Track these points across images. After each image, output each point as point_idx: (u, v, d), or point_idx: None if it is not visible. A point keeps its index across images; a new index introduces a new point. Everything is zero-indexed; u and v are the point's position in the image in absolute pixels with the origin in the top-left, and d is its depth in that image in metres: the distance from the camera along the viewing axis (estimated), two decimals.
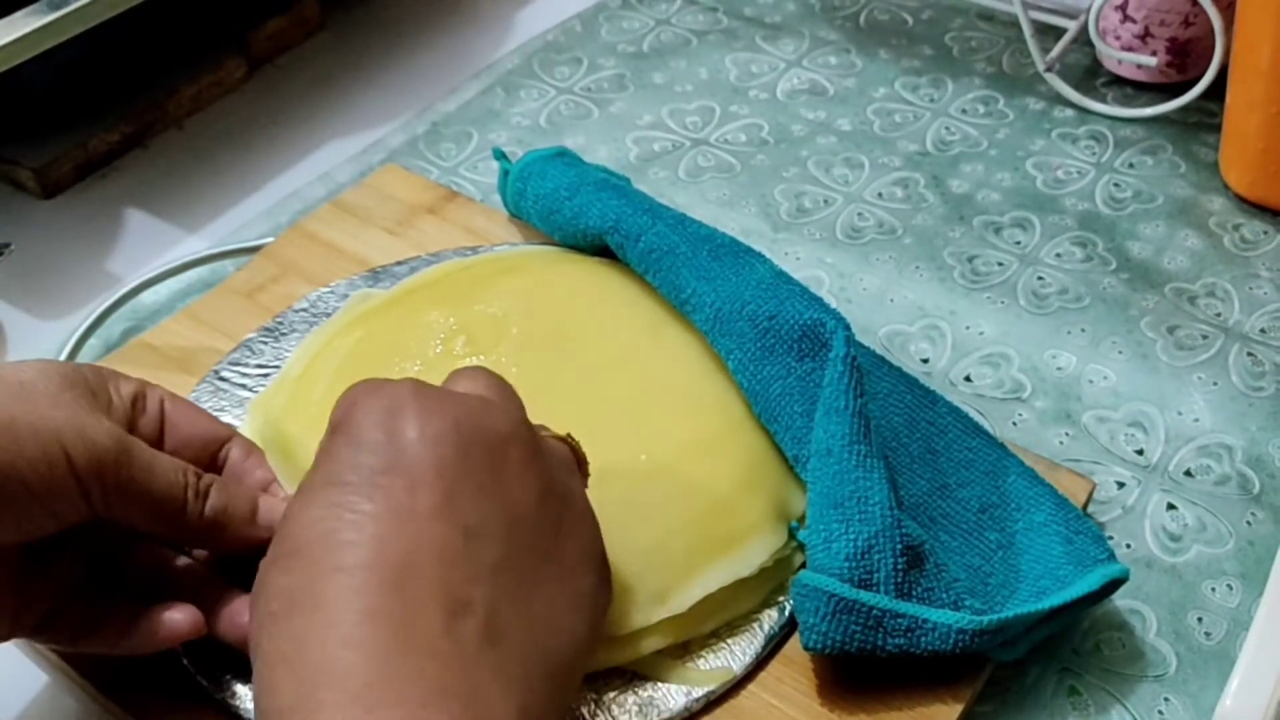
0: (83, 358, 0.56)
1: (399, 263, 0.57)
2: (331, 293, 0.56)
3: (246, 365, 0.52)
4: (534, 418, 0.41)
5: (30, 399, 0.36)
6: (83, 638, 0.40)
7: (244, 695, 0.41)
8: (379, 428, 0.33)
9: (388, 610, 0.30)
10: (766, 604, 0.43)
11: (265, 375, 0.52)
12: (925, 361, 0.55)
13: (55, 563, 0.39)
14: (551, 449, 0.38)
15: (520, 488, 0.34)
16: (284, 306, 0.55)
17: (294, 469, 0.44)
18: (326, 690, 0.29)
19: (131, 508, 0.37)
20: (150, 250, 0.64)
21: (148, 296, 0.60)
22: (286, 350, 0.53)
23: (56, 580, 0.39)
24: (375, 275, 0.56)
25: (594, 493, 0.39)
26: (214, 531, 0.39)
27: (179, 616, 0.39)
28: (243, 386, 0.51)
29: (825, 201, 0.65)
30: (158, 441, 0.41)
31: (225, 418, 0.50)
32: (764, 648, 0.42)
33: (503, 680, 0.31)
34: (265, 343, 0.53)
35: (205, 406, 0.51)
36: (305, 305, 0.55)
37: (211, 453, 0.42)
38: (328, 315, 0.54)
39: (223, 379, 0.52)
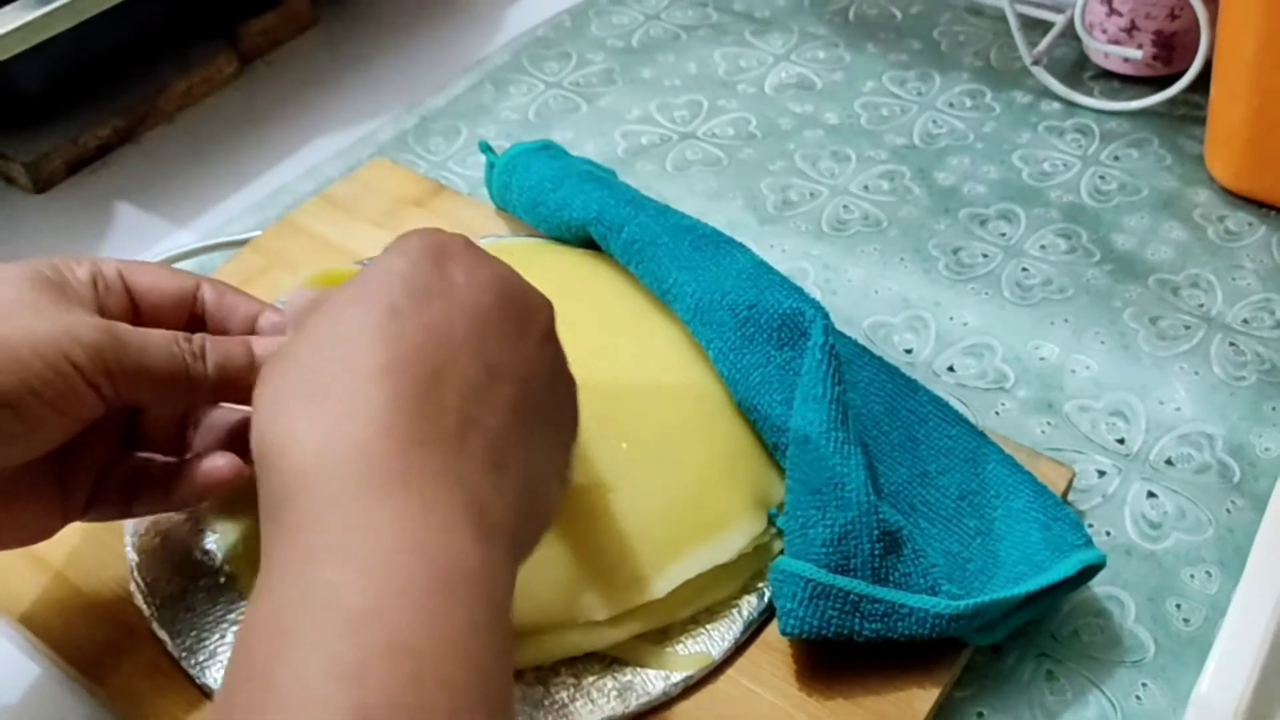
0: None
1: None
2: None
3: None
4: None
5: (14, 315, 0.37)
6: (132, 504, 0.42)
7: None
8: (431, 260, 0.36)
9: (415, 408, 0.32)
10: (745, 590, 0.44)
11: None
12: (909, 352, 0.56)
13: (86, 451, 0.41)
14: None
15: (538, 355, 0.37)
16: (271, 299, 0.56)
17: None
18: (347, 467, 0.31)
19: (139, 390, 0.38)
20: (140, 244, 0.64)
21: None
22: None
23: (91, 465, 0.41)
24: (364, 267, 0.57)
25: (575, 479, 0.40)
26: (221, 387, 0.40)
27: (220, 463, 0.41)
28: None
29: (811, 194, 0.65)
30: (132, 316, 0.41)
31: None
32: (743, 633, 0.43)
33: (500, 497, 0.33)
34: None
35: None
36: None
37: (187, 308, 0.42)
38: None
39: None
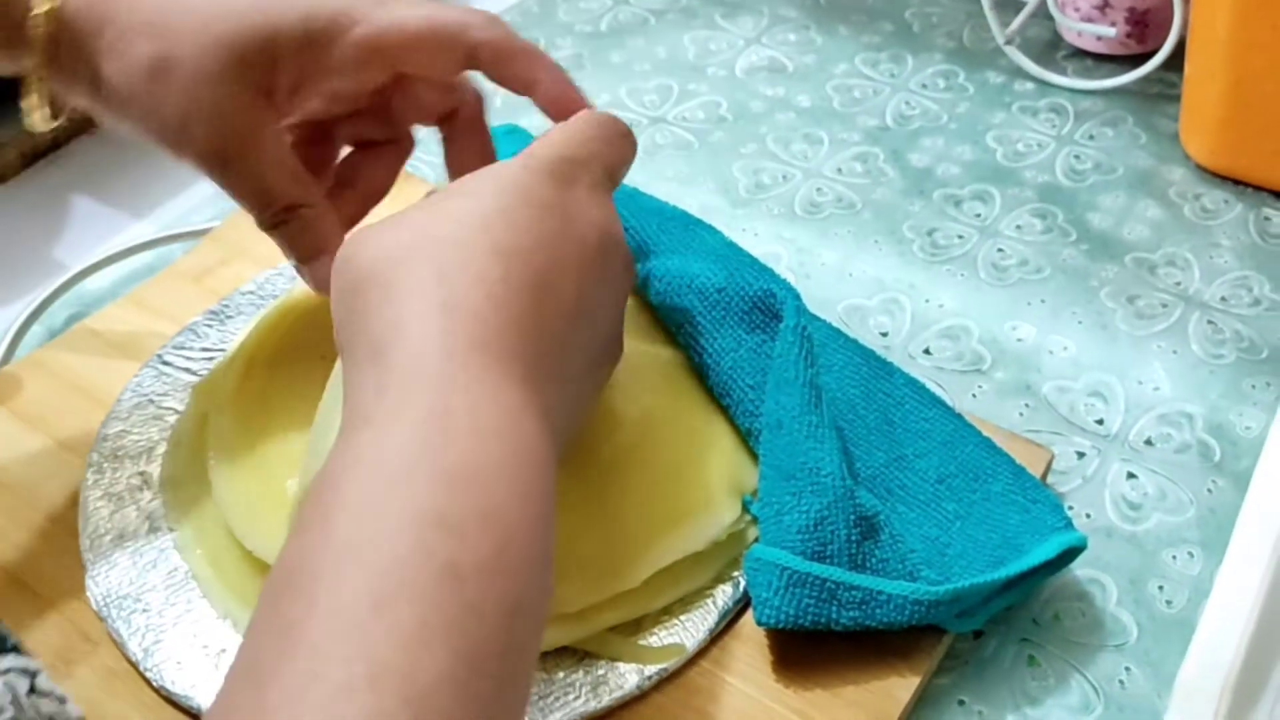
0: (25, 345, 0.55)
1: None
2: (279, 274, 0.55)
3: (191, 349, 0.51)
4: None
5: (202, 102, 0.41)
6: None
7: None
8: (555, 182, 0.36)
9: (521, 295, 0.33)
10: (720, 579, 0.43)
11: (210, 359, 0.51)
12: (885, 335, 0.55)
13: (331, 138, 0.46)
14: None
15: (617, 310, 0.39)
16: (230, 290, 0.54)
17: (240, 450, 0.43)
18: (460, 327, 0.31)
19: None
20: (97, 236, 0.63)
21: (92, 283, 0.58)
22: (233, 333, 0.52)
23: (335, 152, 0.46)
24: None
25: None
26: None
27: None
28: (187, 370, 0.50)
29: (784, 177, 0.64)
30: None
31: (169, 402, 0.49)
32: (718, 623, 0.42)
33: (560, 404, 0.35)
34: (210, 326, 0.52)
35: (148, 391, 0.50)
36: (252, 288, 0.54)
37: (458, 63, 0.44)
38: (275, 297, 0.53)
39: (166, 363, 0.51)
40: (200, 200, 0.64)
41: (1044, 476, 0.47)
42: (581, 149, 0.38)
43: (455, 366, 0.31)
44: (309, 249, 0.42)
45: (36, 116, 0.43)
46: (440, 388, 0.30)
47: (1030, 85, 0.69)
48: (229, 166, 0.41)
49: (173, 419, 0.48)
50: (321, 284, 0.42)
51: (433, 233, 0.34)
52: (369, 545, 0.27)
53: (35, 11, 0.40)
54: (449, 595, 0.27)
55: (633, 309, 0.49)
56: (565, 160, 0.38)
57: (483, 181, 0.36)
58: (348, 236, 0.37)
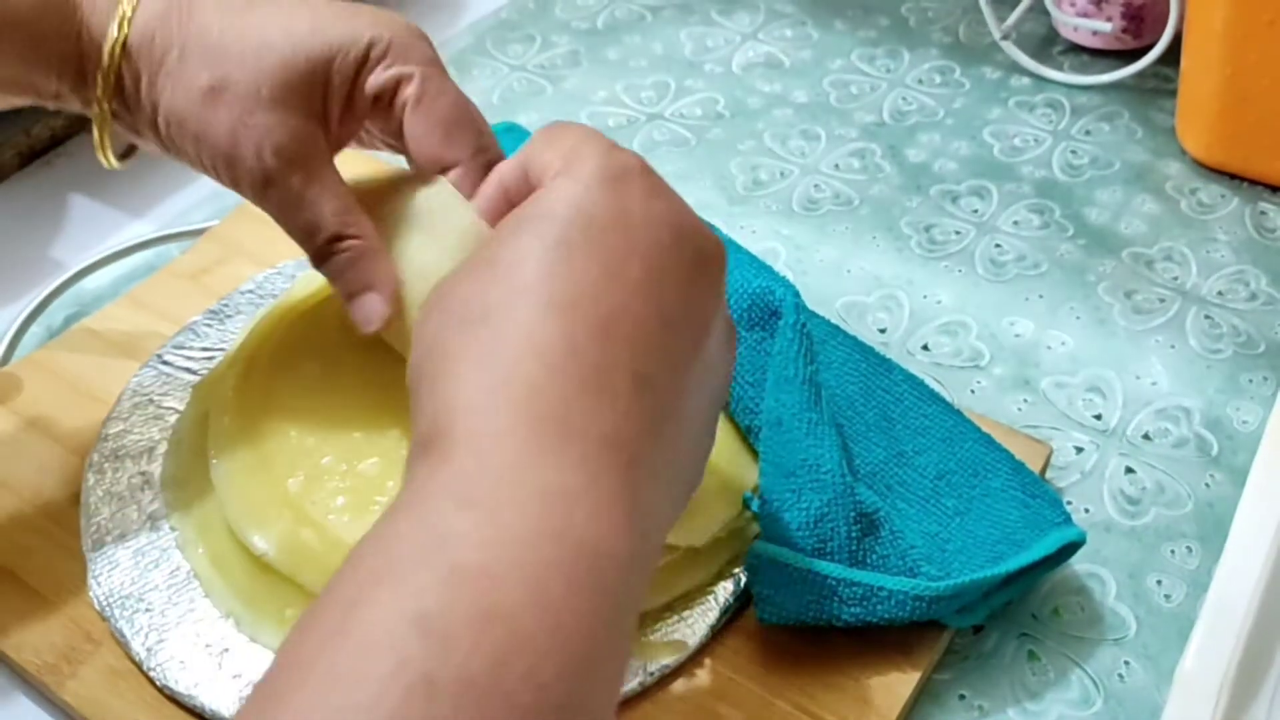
0: (25, 345, 0.55)
1: None
2: (278, 274, 0.55)
3: (191, 348, 0.51)
4: None
5: (235, 106, 0.40)
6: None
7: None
8: (607, 188, 0.32)
9: (587, 352, 0.30)
10: (721, 576, 0.43)
11: (210, 358, 0.51)
12: (883, 331, 0.55)
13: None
14: None
15: (712, 303, 0.34)
16: (229, 289, 0.54)
17: (241, 448, 0.43)
18: (508, 402, 0.28)
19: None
20: (95, 236, 0.63)
21: (90, 282, 0.58)
22: (232, 332, 0.52)
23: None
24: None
25: None
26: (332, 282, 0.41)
27: (377, 309, 0.41)
28: (187, 369, 0.50)
29: (781, 174, 0.64)
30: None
31: (169, 401, 0.49)
32: (719, 620, 0.42)
33: (658, 467, 0.31)
34: (210, 325, 0.52)
35: (149, 391, 0.50)
36: (251, 287, 0.54)
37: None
38: (275, 296, 0.53)
39: (166, 362, 0.51)
40: (199, 199, 0.64)
41: (1043, 472, 0.47)
42: (614, 144, 0.34)
43: (499, 449, 0.28)
44: (357, 283, 0.40)
45: (105, 155, 0.43)
46: (472, 476, 0.27)
47: (1026, 80, 0.69)
48: (278, 194, 0.40)
49: (173, 418, 0.48)
50: (367, 321, 0.40)
51: (481, 298, 0.31)
52: (346, 654, 0.24)
53: (105, 45, 0.39)
54: (415, 714, 0.23)
55: None
56: (611, 157, 0.33)
57: (535, 213, 0.32)
58: (417, 324, 0.34)
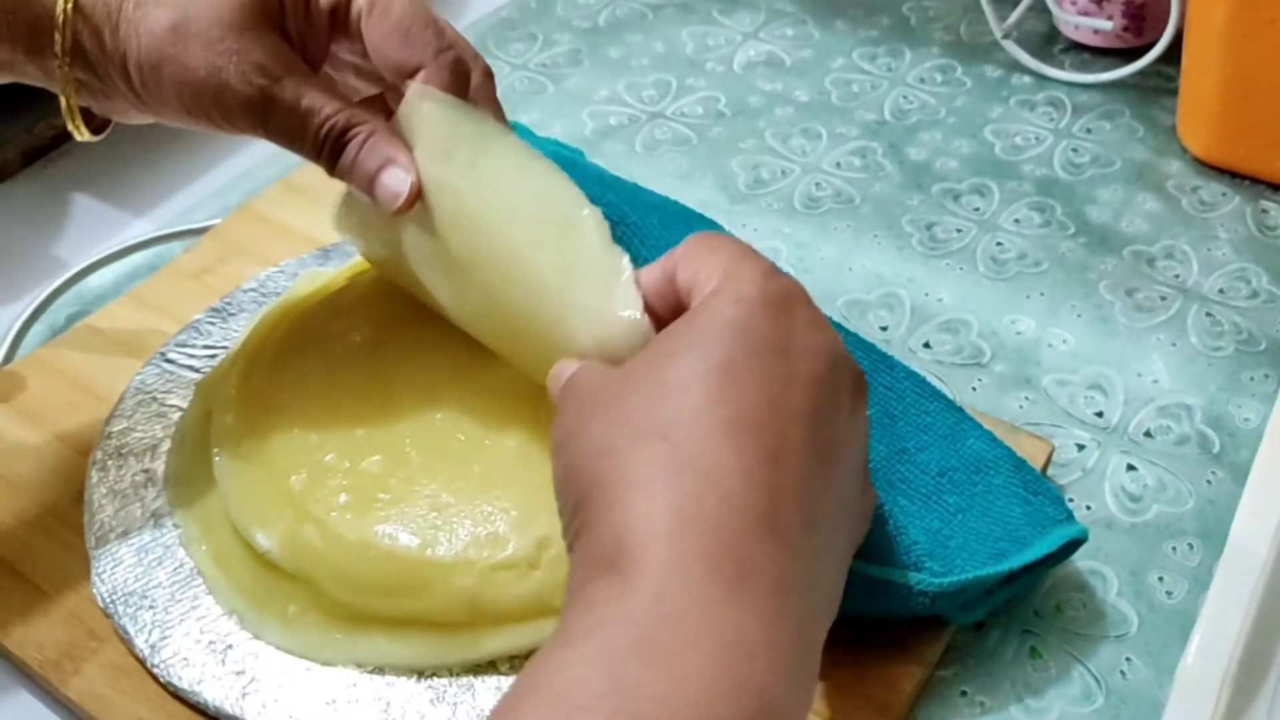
0: (28, 343, 0.55)
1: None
2: (281, 272, 0.55)
3: (193, 346, 0.51)
4: (477, 394, 0.40)
5: (194, 40, 0.39)
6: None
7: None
8: (771, 313, 0.32)
9: (765, 487, 0.29)
10: None
11: (213, 356, 0.51)
12: (884, 329, 0.55)
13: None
14: None
15: (859, 434, 0.34)
16: (232, 287, 0.54)
17: (244, 446, 0.44)
18: (694, 546, 0.28)
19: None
20: (98, 235, 0.63)
21: (93, 281, 0.59)
22: (235, 330, 0.52)
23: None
24: (325, 254, 0.56)
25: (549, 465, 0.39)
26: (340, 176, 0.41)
27: (401, 181, 0.40)
28: (190, 368, 0.50)
29: (783, 172, 0.64)
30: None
31: (172, 399, 0.49)
32: None
33: (817, 611, 0.31)
34: (213, 324, 0.52)
35: (151, 389, 0.50)
36: (254, 285, 0.54)
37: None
38: (277, 295, 0.53)
39: (169, 361, 0.51)
40: (201, 198, 0.64)
41: (1044, 469, 0.47)
42: (773, 266, 0.34)
43: (677, 587, 0.27)
44: (375, 160, 0.40)
45: (76, 124, 0.42)
46: (650, 614, 0.27)
47: (1028, 79, 0.69)
48: (276, 110, 0.39)
49: (176, 416, 0.49)
50: (396, 196, 0.40)
51: (655, 410, 0.30)
52: None
53: (56, 10, 0.39)
54: None
55: None
56: (773, 281, 0.33)
57: (698, 332, 0.32)
58: (565, 376, 0.34)
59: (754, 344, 0.31)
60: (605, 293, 0.37)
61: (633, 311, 0.36)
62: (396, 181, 0.40)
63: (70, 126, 0.42)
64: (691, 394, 0.30)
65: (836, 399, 0.33)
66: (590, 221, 0.39)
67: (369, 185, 0.40)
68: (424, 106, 0.40)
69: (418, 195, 0.40)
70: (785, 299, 0.33)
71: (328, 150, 0.40)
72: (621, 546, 0.28)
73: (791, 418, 0.31)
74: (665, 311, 0.36)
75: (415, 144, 0.41)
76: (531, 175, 0.41)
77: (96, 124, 0.44)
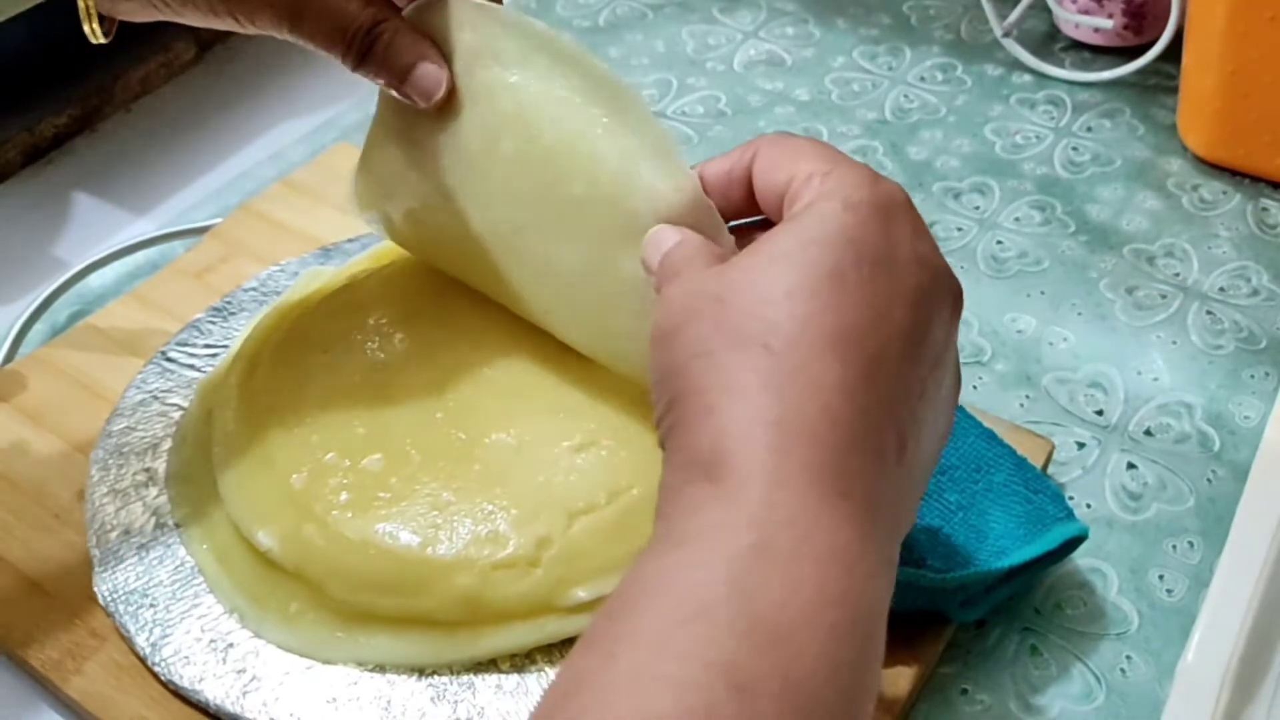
0: (29, 342, 0.55)
1: (350, 240, 0.56)
2: (281, 271, 0.55)
3: (194, 345, 0.51)
4: (477, 393, 0.40)
5: None
6: None
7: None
8: (879, 221, 0.32)
9: (863, 401, 0.29)
10: None
11: (214, 355, 0.51)
12: None
13: None
14: None
15: (953, 349, 0.34)
16: (233, 287, 0.54)
17: (245, 445, 0.44)
18: (795, 456, 0.28)
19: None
20: (99, 234, 0.63)
21: (94, 280, 0.59)
22: (235, 329, 0.52)
23: None
24: (326, 253, 0.56)
25: (557, 463, 0.39)
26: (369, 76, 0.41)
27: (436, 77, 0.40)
28: (191, 367, 0.51)
29: None
30: None
31: (173, 398, 0.49)
32: None
33: (907, 524, 0.32)
34: (214, 323, 0.52)
35: (152, 388, 0.50)
36: (255, 284, 0.54)
37: None
38: (278, 294, 0.53)
39: (170, 360, 0.51)
40: (202, 197, 0.64)
41: (1045, 467, 0.47)
42: (875, 173, 0.33)
43: (784, 497, 0.28)
44: (407, 57, 0.40)
45: (92, 25, 0.41)
46: (763, 521, 0.28)
47: (1028, 77, 0.69)
48: (305, 9, 0.39)
49: (177, 415, 0.49)
50: (430, 91, 0.40)
51: (758, 317, 0.30)
52: (651, 684, 0.25)
53: None
54: None
55: None
56: (879, 186, 0.32)
57: (803, 235, 0.31)
58: (665, 245, 0.34)
59: (863, 253, 0.31)
60: (665, 165, 0.37)
61: (691, 183, 0.36)
62: (429, 77, 0.39)
63: (86, 29, 0.41)
64: (797, 302, 0.30)
65: (937, 312, 0.32)
66: (638, 97, 0.38)
67: (401, 78, 0.40)
68: (448, 4, 0.40)
69: (453, 87, 0.40)
70: (891, 205, 0.32)
71: (356, 52, 0.40)
72: (722, 454, 0.29)
73: (894, 331, 0.30)
74: (728, 205, 0.36)
75: (450, 44, 0.40)
76: (576, 61, 0.39)
77: (104, 27, 0.42)
